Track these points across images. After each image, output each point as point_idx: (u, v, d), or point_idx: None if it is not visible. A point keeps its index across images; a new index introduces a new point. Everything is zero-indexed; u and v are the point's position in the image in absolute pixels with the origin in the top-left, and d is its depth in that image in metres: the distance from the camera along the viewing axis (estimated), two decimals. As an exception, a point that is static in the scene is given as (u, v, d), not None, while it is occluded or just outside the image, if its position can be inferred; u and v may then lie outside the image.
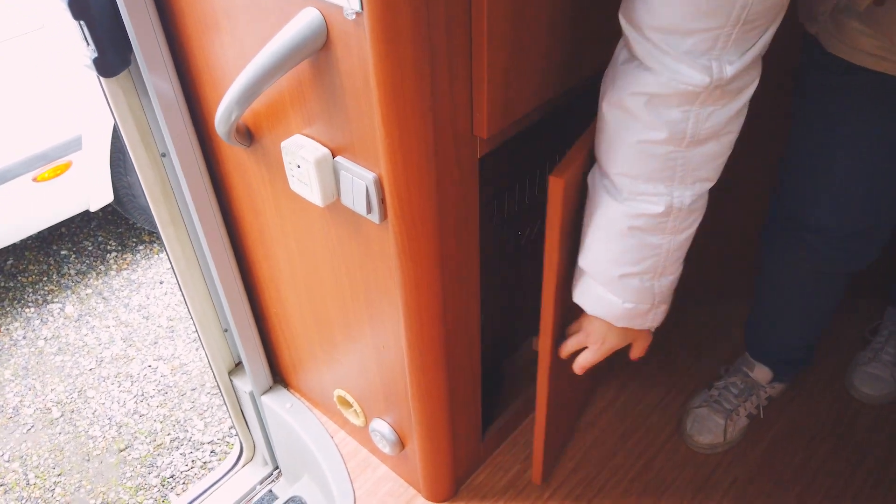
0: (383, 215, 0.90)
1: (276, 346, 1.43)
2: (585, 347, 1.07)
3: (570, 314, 1.08)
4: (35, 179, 2.26)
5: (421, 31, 0.74)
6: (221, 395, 1.56)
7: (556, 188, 0.90)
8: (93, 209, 2.51)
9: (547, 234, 0.96)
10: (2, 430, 2.19)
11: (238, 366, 1.53)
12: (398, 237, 0.91)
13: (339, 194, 0.94)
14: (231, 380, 1.53)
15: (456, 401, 1.16)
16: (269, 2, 0.83)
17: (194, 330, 1.40)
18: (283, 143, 0.93)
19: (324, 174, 0.92)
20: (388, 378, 1.16)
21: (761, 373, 1.45)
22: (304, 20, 0.79)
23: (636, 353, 1.08)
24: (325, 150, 0.91)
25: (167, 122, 1.09)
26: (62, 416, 2.23)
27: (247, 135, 1.03)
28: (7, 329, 2.52)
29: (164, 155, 1.19)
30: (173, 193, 1.24)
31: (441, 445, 1.21)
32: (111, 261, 2.79)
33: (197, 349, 2.40)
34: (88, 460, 2.11)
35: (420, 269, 0.94)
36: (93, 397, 2.28)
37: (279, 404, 1.48)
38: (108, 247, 2.85)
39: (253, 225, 1.20)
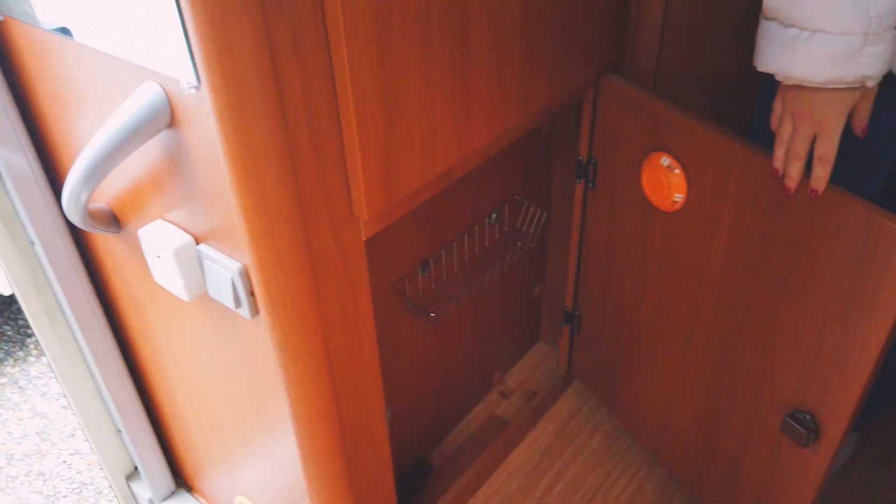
0: (254, 309, 0.79)
1: (174, 447, 1.28)
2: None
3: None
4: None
5: (272, 104, 0.65)
6: (118, 503, 1.39)
7: None
8: (6, 293, 2.34)
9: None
10: None
11: (136, 470, 1.37)
12: (273, 333, 0.79)
13: (206, 286, 0.82)
14: (129, 485, 1.37)
15: (365, 508, 1.03)
16: (111, 76, 0.74)
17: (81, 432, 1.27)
18: (141, 231, 0.82)
19: (185, 265, 0.80)
20: (287, 486, 1.02)
21: None
22: (144, 96, 0.69)
23: (858, 121, 0.82)
24: (188, 238, 0.80)
25: (26, 206, 0.97)
26: (-38, 524, 2.01)
27: (112, 220, 0.92)
28: None
29: (33, 243, 1.06)
30: (48, 285, 1.11)
31: (352, 559, 1.06)
32: (31, 345, 2.60)
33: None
34: (-11, 575, 1.89)
35: (303, 367, 0.83)
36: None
37: (182, 512, 1.32)
38: (29, 331, 2.66)
39: (134, 318, 1.07)
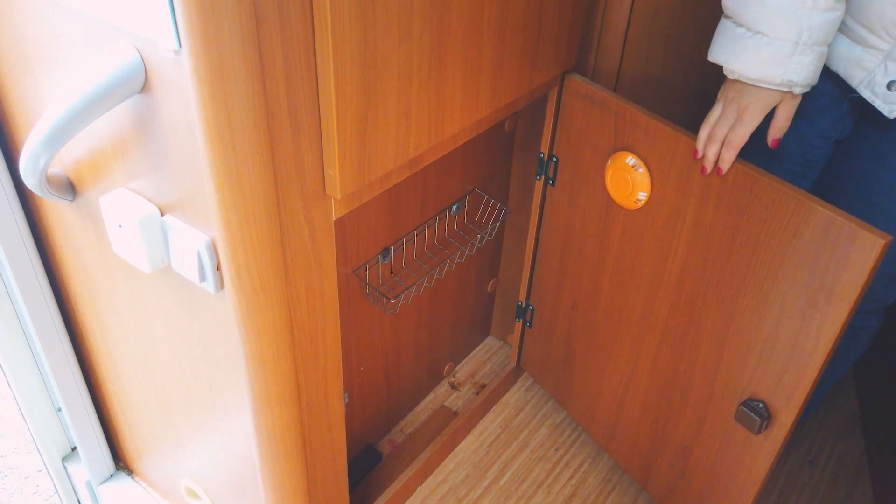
0: (220, 284, 0.78)
1: (116, 427, 1.25)
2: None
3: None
4: None
5: (253, 73, 0.64)
6: (53, 486, 1.34)
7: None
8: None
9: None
10: None
11: (74, 450, 1.32)
12: (238, 308, 0.78)
13: (169, 259, 0.81)
14: (65, 467, 1.32)
15: (317, 491, 1.02)
16: (80, 36, 0.71)
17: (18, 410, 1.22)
18: (102, 199, 0.80)
19: (149, 236, 0.78)
20: (237, 469, 1.01)
21: None
22: (118, 59, 0.67)
23: (777, 122, 0.92)
24: (152, 208, 0.78)
25: (-27, 169, 0.93)
26: None
27: (68, 187, 0.89)
28: None
29: (-25, 207, 1.02)
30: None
31: (301, 544, 1.06)
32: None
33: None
34: None
35: (266, 344, 0.82)
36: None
37: (120, 496, 1.28)
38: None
39: (83, 290, 1.04)
